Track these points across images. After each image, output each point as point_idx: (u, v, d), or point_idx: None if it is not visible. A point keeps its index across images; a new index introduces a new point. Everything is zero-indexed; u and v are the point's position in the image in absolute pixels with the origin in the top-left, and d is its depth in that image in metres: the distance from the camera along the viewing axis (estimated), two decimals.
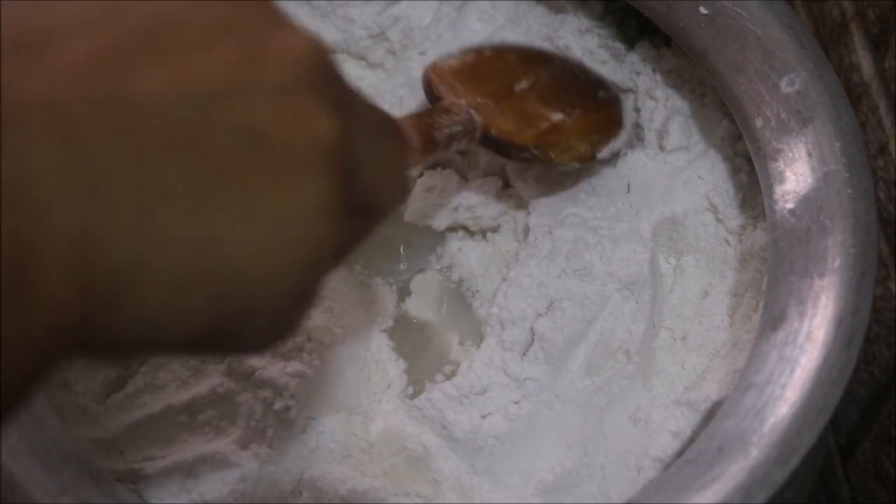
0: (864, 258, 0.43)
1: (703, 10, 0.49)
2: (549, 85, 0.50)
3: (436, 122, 0.42)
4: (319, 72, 0.26)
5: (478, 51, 0.51)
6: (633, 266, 0.50)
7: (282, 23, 0.26)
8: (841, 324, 0.41)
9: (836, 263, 0.43)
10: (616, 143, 0.51)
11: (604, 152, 0.50)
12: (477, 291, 0.54)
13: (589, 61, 0.56)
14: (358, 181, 0.28)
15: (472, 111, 0.45)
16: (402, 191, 0.33)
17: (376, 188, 0.30)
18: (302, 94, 0.25)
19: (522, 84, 0.49)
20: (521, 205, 0.53)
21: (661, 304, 0.51)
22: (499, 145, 0.47)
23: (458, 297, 0.54)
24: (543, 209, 0.52)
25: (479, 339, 0.51)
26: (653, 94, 0.55)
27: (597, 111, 0.51)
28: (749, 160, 0.49)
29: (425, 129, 0.41)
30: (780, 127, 0.46)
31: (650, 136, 0.54)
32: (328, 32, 0.58)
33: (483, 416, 0.47)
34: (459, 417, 0.47)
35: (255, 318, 0.25)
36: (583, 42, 0.56)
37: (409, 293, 0.55)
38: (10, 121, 0.21)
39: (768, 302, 0.43)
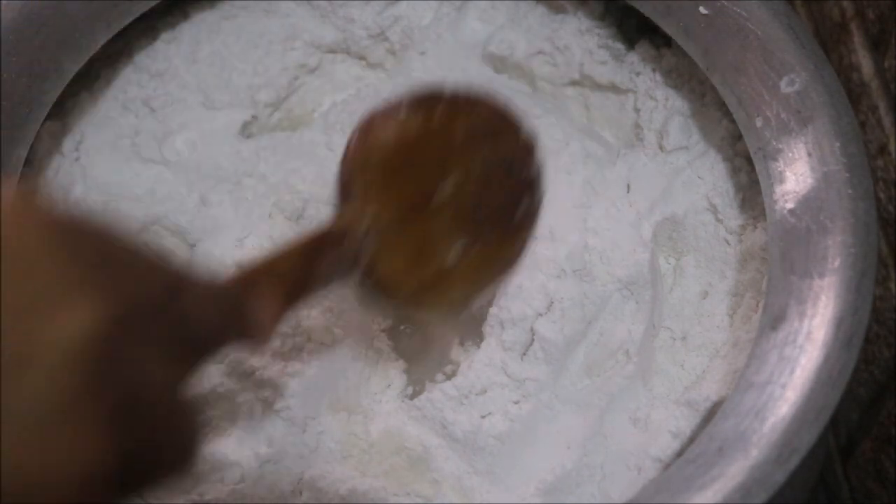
0: (864, 258, 0.43)
1: (703, 10, 0.49)
2: (475, 184, 0.43)
3: (315, 264, 0.37)
4: (93, 365, 0.22)
5: (431, 103, 0.43)
6: (633, 266, 0.50)
7: (68, 295, 0.22)
8: (841, 324, 0.41)
9: (836, 263, 0.43)
10: (499, 285, 0.47)
11: (480, 299, 0.46)
12: None
13: (589, 61, 0.56)
14: (140, 466, 0.24)
15: (368, 239, 0.40)
16: (194, 460, 0.28)
17: (162, 466, 0.26)
18: (67, 412, 0.21)
19: (448, 183, 0.42)
20: None
21: (661, 304, 0.51)
22: (376, 283, 0.41)
23: None
24: (543, 209, 0.52)
25: (479, 339, 0.51)
26: (653, 94, 0.55)
27: (504, 239, 0.45)
28: (749, 160, 0.49)
29: (298, 277, 0.35)
30: (780, 127, 0.46)
31: (650, 136, 0.54)
32: (328, 32, 0.58)
33: (483, 416, 0.47)
34: (459, 417, 0.47)
35: None
36: (583, 42, 0.56)
37: None
38: None
39: (768, 302, 0.43)
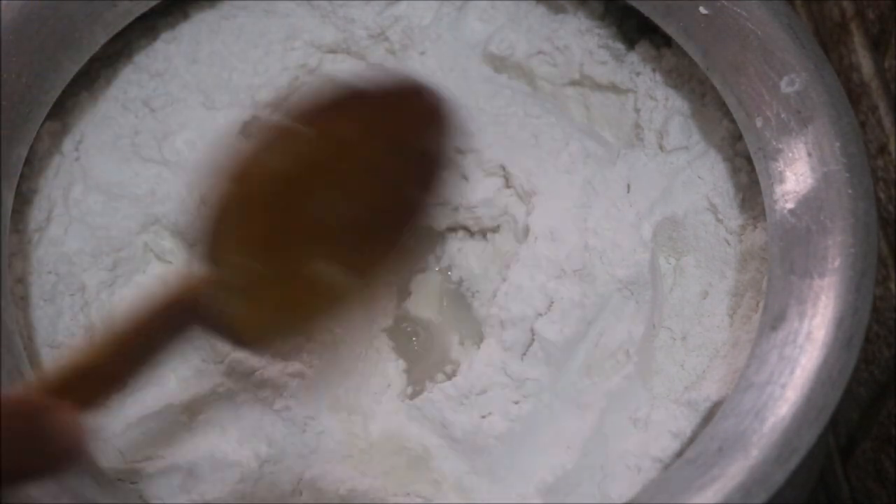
0: (864, 258, 0.43)
1: (703, 10, 0.49)
2: (363, 194, 0.36)
3: (155, 340, 0.31)
4: None
5: (320, 113, 0.35)
6: (633, 266, 0.50)
7: None
8: (841, 324, 0.41)
9: (836, 263, 0.43)
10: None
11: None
12: (477, 291, 0.54)
13: (589, 61, 0.56)
14: None
15: (230, 300, 0.32)
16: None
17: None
18: None
19: (334, 207, 0.35)
20: (521, 205, 0.53)
21: (661, 305, 0.51)
22: (237, 336, 0.34)
23: (458, 297, 0.54)
24: (543, 209, 0.52)
25: (479, 339, 0.51)
26: (653, 94, 0.55)
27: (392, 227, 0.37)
28: (749, 160, 0.49)
29: (125, 364, 0.31)
30: (780, 127, 0.46)
31: (650, 136, 0.54)
32: (328, 32, 0.58)
33: (483, 416, 0.47)
34: (459, 417, 0.47)
35: None
36: (583, 42, 0.56)
37: (409, 293, 0.55)
38: None
39: (768, 302, 0.43)
